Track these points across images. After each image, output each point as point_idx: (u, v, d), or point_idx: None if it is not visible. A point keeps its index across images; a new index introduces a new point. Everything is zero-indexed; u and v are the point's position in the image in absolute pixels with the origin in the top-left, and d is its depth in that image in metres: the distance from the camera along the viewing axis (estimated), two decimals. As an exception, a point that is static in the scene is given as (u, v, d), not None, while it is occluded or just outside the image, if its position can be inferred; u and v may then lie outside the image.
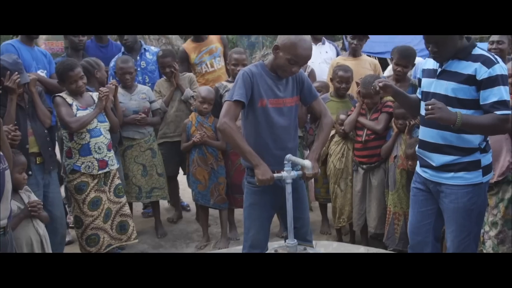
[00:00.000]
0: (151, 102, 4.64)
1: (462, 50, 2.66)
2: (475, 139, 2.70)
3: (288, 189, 2.72)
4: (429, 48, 2.69)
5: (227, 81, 4.65)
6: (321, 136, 2.98)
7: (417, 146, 2.97)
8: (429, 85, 2.81)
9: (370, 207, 4.23)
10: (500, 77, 2.57)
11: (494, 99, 2.57)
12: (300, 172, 2.78)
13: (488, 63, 2.59)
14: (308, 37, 2.78)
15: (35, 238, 2.97)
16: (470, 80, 2.62)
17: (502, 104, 2.57)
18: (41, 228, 3.03)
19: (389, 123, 4.11)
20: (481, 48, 2.72)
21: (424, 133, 2.86)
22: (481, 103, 2.62)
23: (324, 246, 3.97)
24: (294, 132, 2.99)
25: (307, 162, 2.66)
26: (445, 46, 2.64)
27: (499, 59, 2.64)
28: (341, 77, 4.34)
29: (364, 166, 4.20)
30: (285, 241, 2.81)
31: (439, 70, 2.75)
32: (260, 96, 2.81)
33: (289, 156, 2.75)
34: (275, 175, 2.74)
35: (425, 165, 2.86)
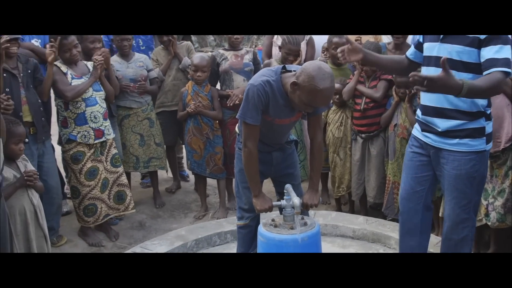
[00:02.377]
0: (148, 71, 4.56)
1: None
2: (482, 101, 2.61)
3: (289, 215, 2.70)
4: None
5: (224, 49, 4.56)
6: (315, 164, 2.95)
7: (418, 111, 2.88)
8: (432, 49, 2.69)
9: (369, 177, 4.20)
10: (503, 37, 2.46)
11: (495, 55, 2.44)
12: (301, 201, 2.70)
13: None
14: (332, 83, 2.49)
15: (29, 208, 2.95)
16: (475, 42, 2.51)
17: (503, 61, 2.43)
18: (35, 198, 3.00)
19: (388, 90, 4.05)
20: None
21: (427, 98, 2.74)
22: (481, 60, 2.49)
23: (323, 216, 3.96)
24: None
25: (296, 201, 2.62)
26: None
27: None
28: (337, 43, 4.23)
29: (363, 135, 4.15)
30: (280, 212, 2.78)
31: (441, 36, 2.63)
32: (269, 115, 2.73)
33: (287, 186, 2.75)
34: (274, 203, 2.78)
35: (428, 130, 2.77)
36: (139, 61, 4.53)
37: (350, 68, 4.42)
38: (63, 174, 4.22)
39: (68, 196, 4.39)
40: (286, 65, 2.74)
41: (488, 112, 2.67)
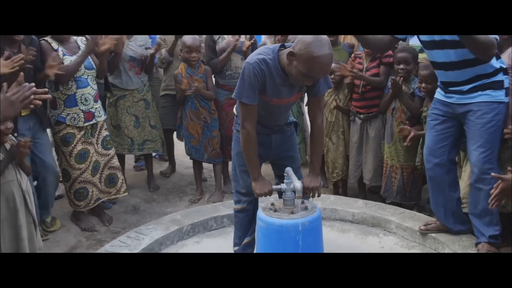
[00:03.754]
0: (146, 49, 4.46)
1: None
2: (495, 61, 2.86)
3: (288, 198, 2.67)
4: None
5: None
6: (315, 148, 2.88)
7: (439, 84, 3.11)
8: (435, 55, 2.95)
9: (366, 159, 4.15)
10: None
11: None
12: (301, 184, 2.62)
13: None
14: (329, 50, 2.41)
15: (18, 194, 2.82)
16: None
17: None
18: (24, 182, 2.87)
19: (389, 74, 3.96)
20: None
21: (444, 75, 2.99)
22: None
23: (322, 199, 3.87)
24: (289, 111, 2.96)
25: (298, 184, 2.55)
26: None
27: None
28: None
29: (362, 116, 4.08)
30: (279, 196, 2.70)
31: (437, 39, 2.85)
32: (266, 94, 2.63)
33: (288, 169, 2.67)
34: (274, 187, 2.72)
35: (452, 91, 2.99)
36: (140, 40, 4.42)
37: (346, 49, 4.33)
38: (55, 157, 4.11)
39: (60, 179, 4.28)
40: (284, 43, 2.63)
41: (505, 67, 2.92)
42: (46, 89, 2.21)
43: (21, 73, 2.26)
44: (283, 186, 2.66)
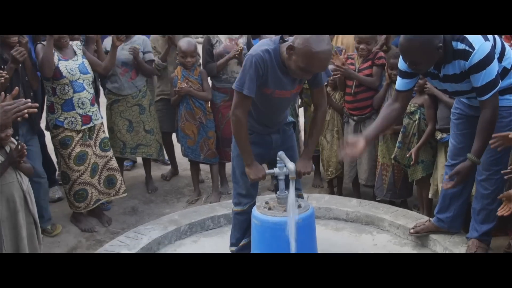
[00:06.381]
0: (144, 53, 4.50)
1: (443, 58, 2.63)
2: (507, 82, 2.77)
3: (281, 185, 2.71)
4: (407, 64, 2.67)
5: (217, 32, 4.51)
6: (314, 131, 2.90)
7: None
8: (437, 84, 2.87)
9: (361, 159, 4.20)
10: (481, 61, 2.57)
11: (478, 84, 2.62)
12: (294, 165, 2.68)
13: (465, 55, 2.58)
14: (328, 45, 2.45)
15: (19, 194, 2.88)
16: (464, 75, 2.66)
17: (486, 87, 2.61)
18: (25, 183, 2.94)
19: (382, 75, 4.03)
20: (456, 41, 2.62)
21: (459, 102, 3.00)
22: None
23: (316, 199, 3.96)
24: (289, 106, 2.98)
25: (291, 166, 2.61)
26: (424, 63, 2.63)
27: (475, 45, 2.57)
28: None
29: (355, 118, 4.14)
30: (275, 194, 2.76)
31: (441, 76, 2.75)
32: (267, 87, 2.67)
33: (280, 153, 2.72)
34: (267, 171, 2.76)
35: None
36: (136, 43, 4.44)
37: (338, 52, 4.37)
38: (55, 160, 4.18)
39: (60, 182, 4.35)
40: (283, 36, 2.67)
41: (509, 67, 2.77)
42: (37, 104, 2.53)
43: (16, 88, 2.63)
44: (276, 170, 2.70)
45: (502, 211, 2.53)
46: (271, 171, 2.74)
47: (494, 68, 2.60)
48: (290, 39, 2.57)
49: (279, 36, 2.63)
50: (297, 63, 2.48)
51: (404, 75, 2.84)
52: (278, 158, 2.72)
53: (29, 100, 2.43)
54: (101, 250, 3.30)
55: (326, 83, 4.12)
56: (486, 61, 2.56)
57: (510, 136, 2.58)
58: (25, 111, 2.38)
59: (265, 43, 2.64)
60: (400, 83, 2.88)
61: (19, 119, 2.43)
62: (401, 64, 2.81)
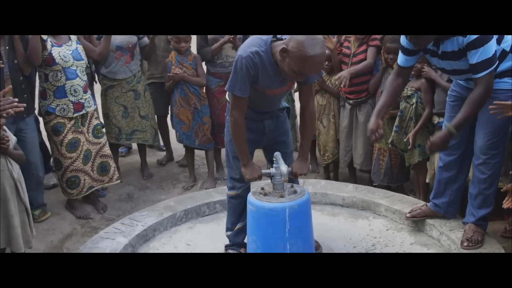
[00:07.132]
0: (139, 38, 4.45)
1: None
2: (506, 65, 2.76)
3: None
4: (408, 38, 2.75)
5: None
6: (306, 133, 2.93)
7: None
8: (436, 62, 2.89)
9: (356, 144, 4.19)
10: (479, 39, 2.58)
11: (473, 61, 2.63)
12: (289, 169, 2.68)
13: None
14: (322, 49, 2.45)
15: (9, 183, 2.84)
16: (462, 52, 2.66)
17: (481, 65, 2.60)
18: (16, 171, 2.90)
19: (377, 56, 3.99)
20: None
21: (457, 85, 3.00)
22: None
23: (312, 184, 3.94)
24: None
25: (284, 169, 2.61)
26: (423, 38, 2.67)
27: None
28: None
29: (351, 101, 4.11)
30: (271, 180, 2.74)
31: (440, 52, 2.76)
32: (259, 85, 2.67)
33: (276, 154, 2.72)
34: (263, 171, 2.77)
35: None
36: None
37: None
38: (49, 146, 4.14)
39: (54, 169, 4.32)
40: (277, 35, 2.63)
41: (508, 50, 2.76)
42: (24, 104, 2.59)
43: (10, 86, 2.70)
44: (272, 170, 2.72)
45: (507, 203, 2.52)
46: (267, 171, 2.75)
47: (491, 47, 2.60)
48: (284, 38, 2.54)
49: (271, 36, 2.58)
50: (291, 66, 2.47)
51: (406, 52, 2.89)
52: (274, 159, 2.73)
53: (16, 99, 2.47)
54: (96, 237, 3.29)
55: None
56: (484, 39, 2.57)
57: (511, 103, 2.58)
58: (10, 110, 2.40)
59: (255, 42, 2.59)
60: (402, 59, 2.95)
61: (4, 115, 2.44)
62: (403, 40, 2.85)
